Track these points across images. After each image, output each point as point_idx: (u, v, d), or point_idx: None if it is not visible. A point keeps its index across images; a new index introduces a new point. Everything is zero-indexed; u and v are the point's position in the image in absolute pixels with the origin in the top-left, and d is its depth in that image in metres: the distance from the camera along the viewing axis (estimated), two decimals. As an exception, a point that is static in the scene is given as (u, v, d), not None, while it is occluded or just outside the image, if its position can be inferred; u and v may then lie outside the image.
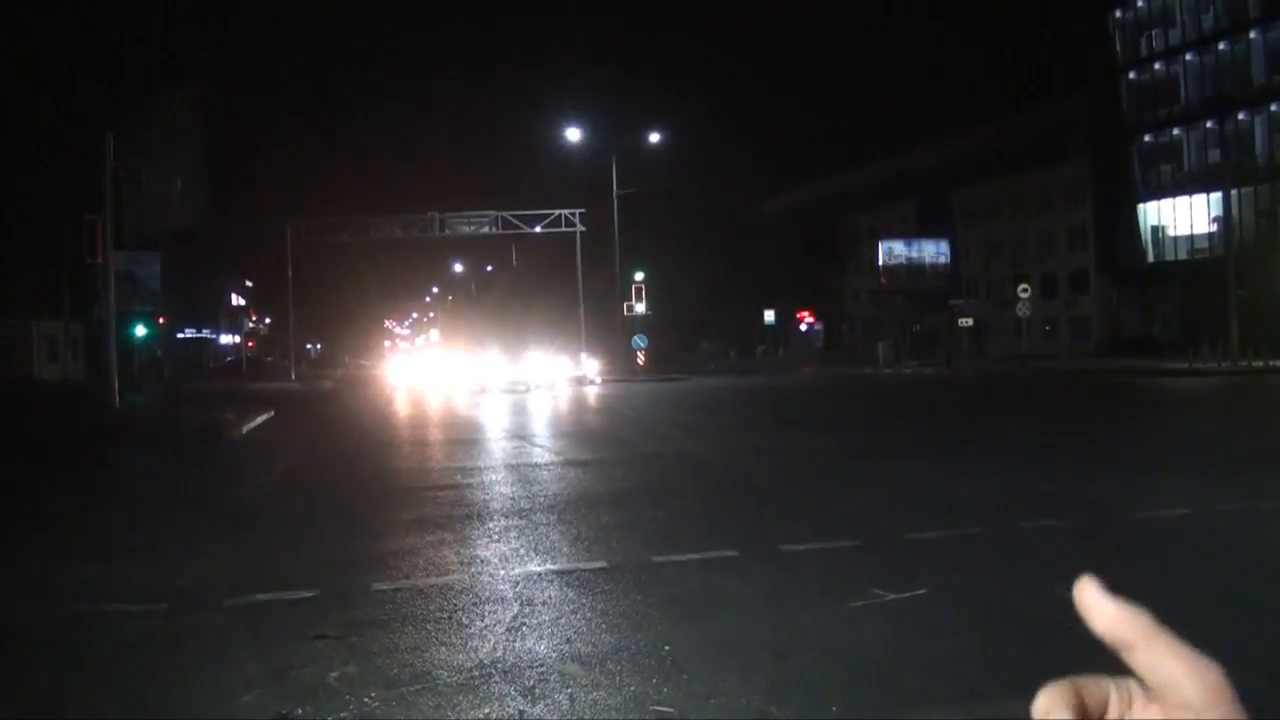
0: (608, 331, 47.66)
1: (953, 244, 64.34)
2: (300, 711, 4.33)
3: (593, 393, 34.16)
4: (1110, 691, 0.55)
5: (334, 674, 4.75)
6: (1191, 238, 48.10)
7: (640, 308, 48.15)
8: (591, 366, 41.69)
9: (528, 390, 34.32)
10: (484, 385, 35.52)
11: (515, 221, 51.34)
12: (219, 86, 51.81)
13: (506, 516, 9.18)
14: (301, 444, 18.20)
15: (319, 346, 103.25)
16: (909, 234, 66.03)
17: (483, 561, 7.25)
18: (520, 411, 24.94)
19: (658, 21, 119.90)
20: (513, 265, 66.44)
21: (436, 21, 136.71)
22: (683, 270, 60.68)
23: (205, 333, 75.31)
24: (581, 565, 6.98)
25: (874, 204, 70.96)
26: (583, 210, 50.53)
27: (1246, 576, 6.13)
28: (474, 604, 6.07)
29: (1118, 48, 51.68)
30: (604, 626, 5.46)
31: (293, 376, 51.78)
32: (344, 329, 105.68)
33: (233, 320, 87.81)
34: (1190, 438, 15.28)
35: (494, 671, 4.75)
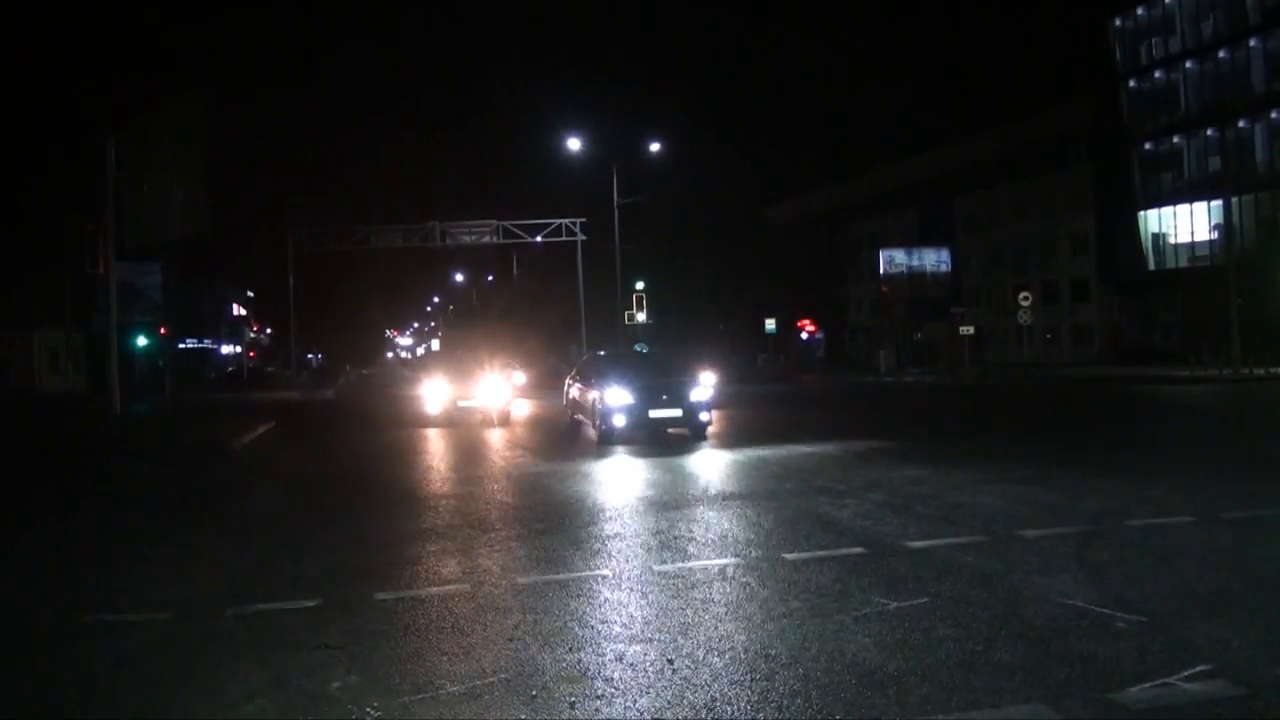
0: (609, 340, 47.64)
1: (954, 252, 64.41)
2: (302, 721, 4.32)
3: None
4: None
5: (336, 684, 4.74)
6: (1192, 245, 48.13)
7: (641, 317, 48.16)
8: (707, 380, 28.87)
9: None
10: (621, 423, 16.73)
11: (516, 231, 51.42)
12: (222, 97, 51.98)
13: (508, 526, 9.18)
14: (303, 454, 18.18)
15: (320, 356, 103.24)
16: (910, 242, 66.12)
17: (484, 570, 7.24)
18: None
19: (659, 31, 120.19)
20: (514, 275, 66.48)
21: (437, 32, 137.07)
22: (684, 279, 60.75)
23: (206, 343, 75.45)
24: (583, 574, 6.97)
25: (875, 212, 71.10)
26: (584, 220, 50.60)
27: (1250, 584, 6.11)
28: (476, 613, 6.07)
29: (1118, 56, 51.75)
30: (606, 635, 5.45)
31: (294, 387, 51.79)
32: (345, 339, 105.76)
33: (234, 330, 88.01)
34: (1193, 446, 15.27)
35: (496, 681, 4.74)
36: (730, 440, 16.70)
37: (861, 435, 17.04)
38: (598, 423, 16.98)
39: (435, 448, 17.80)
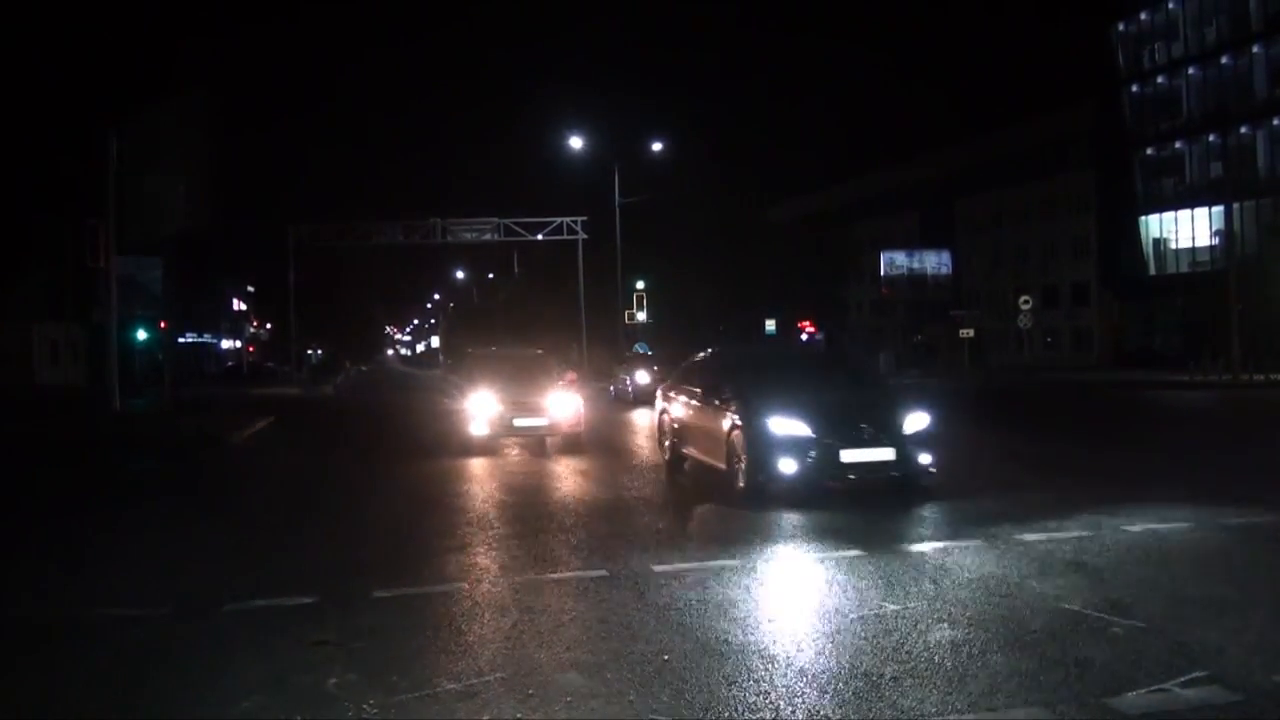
0: (609, 339, 47.66)
1: (954, 255, 64.41)
2: (299, 718, 4.33)
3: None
4: None
5: (333, 680, 4.75)
6: (1193, 250, 48.14)
7: (641, 316, 48.17)
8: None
9: None
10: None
11: (517, 229, 51.39)
12: (223, 91, 51.92)
13: (508, 524, 9.18)
14: (302, 450, 18.18)
15: (319, 352, 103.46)
16: (911, 244, 66.10)
17: (483, 569, 7.26)
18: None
19: (661, 30, 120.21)
20: (515, 272, 66.46)
21: (440, 29, 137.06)
22: (684, 279, 60.74)
23: (206, 338, 75.38)
24: (582, 573, 6.98)
25: (876, 214, 71.08)
26: (585, 218, 50.60)
27: (1247, 591, 6.12)
28: (474, 611, 6.08)
29: (1120, 60, 51.77)
30: (604, 634, 5.46)
31: (294, 383, 51.80)
32: (346, 334, 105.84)
33: (234, 325, 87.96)
34: (1192, 451, 15.25)
35: (493, 679, 4.75)
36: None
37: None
38: (743, 467, 10.09)
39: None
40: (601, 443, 16.64)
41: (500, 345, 26.84)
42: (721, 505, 9.98)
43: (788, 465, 9.65)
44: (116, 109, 24.67)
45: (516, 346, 23.85)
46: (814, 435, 9.71)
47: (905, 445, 9.87)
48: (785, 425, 9.79)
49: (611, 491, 11.27)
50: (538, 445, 15.87)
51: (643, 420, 20.71)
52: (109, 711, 4.56)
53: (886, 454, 9.82)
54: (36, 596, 6.75)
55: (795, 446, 9.68)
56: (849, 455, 9.71)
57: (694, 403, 11.89)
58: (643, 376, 28.49)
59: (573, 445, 15.59)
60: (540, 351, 19.57)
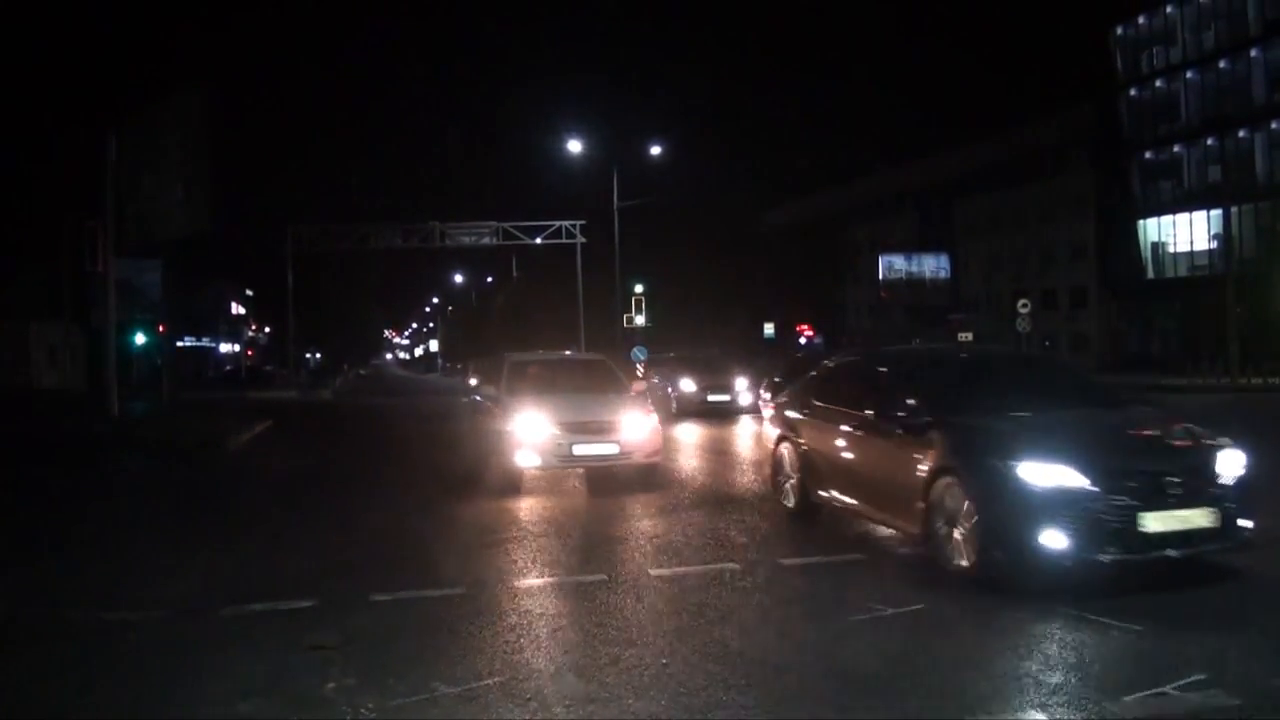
0: (608, 343, 47.64)
1: (953, 258, 64.45)
2: (296, 721, 4.32)
3: None
4: None
5: (331, 684, 4.74)
6: (1191, 254, 48.17)
7: (640, 320, 48.16)
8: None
9: None
10: None
11: (516, 233, 51.40)
12: (223, 94, 51.93)
13: (505, 528, 9.17)
14: (300, 453, 18.16)
15: (318, 356, 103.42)
16: (909, 248, 66.15)
17: (481, 573, 7.24)
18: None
19: (660, 34, 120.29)
20: (513, 276, 66.52)
21: (439, 32, 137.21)
22: (683, 283, 60.77)
23: (205, 341, 75.36)
24: (580, 577, 6.97)
25: (874, 217, 71.14)
26: (583, 222, 50.62)
27: (1246, 595, 6.12)
28: (472, 615, 6.06)
29: (1119, 64, 51.84)
30: (602, 639, 5.45)
31: (292, 386, 51.80)
32: (343, 338, 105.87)
33: (232, 329, 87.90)
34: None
35: (491, 684, 4.74)
36: None
37: None
38: (964, 536, 6.49)
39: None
40: (674, 474, 12.92)
41: (531, 349, 20.72)
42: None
43: (1054, 538, 6.04)
44: (116, 109, 24.65)
45: (560, 350, 19.82)
46: (1096, 489, 6.13)
47: (1225, 502, 6.43)
48: (1047, 473, 6.17)
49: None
50: (603, 479, 12.10)
51: (690, 437, 18.36)
52: (106, 713, 4.55)
53: (1205, 518, 6.32)
54: (34, 599, 6.73)
55: (1067, 507, 6.08)
56: (1155, 521, 6.15)
57: (848, 428, 8.17)
58: (688, 384, 24.52)
59: (646, 479, 11.80)
60: (601, 357, 15.48)
